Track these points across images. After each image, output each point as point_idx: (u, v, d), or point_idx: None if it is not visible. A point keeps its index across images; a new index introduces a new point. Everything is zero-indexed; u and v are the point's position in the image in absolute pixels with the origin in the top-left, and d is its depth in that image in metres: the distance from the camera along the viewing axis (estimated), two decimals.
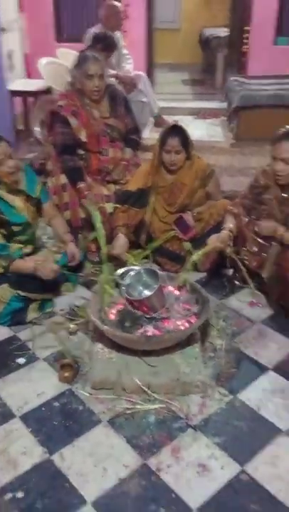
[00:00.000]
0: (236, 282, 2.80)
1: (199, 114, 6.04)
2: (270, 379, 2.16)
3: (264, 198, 2.55)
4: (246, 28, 5.99)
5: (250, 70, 6.05)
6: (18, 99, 5.07)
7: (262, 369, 2.22)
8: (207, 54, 8.07)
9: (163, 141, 2.72)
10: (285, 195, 2.48)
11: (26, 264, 2.47)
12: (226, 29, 7.02)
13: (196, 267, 2.87)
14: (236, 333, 2.44)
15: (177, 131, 2.73)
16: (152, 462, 1.78)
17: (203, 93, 6.97)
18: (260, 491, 1.68)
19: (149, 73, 6.07)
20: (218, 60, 7.14)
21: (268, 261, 2.54)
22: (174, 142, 2.70)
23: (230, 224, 2.63)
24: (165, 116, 5.38)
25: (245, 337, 2.42)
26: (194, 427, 1.91)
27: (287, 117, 4.87)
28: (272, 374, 2.19)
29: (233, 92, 5.30)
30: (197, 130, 5.56)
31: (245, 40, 6.07)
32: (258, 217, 2.58)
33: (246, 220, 2.61)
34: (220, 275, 2.89)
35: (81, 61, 2.85)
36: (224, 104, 5.87)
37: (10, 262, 2.43)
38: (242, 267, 2.60)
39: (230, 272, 2.86)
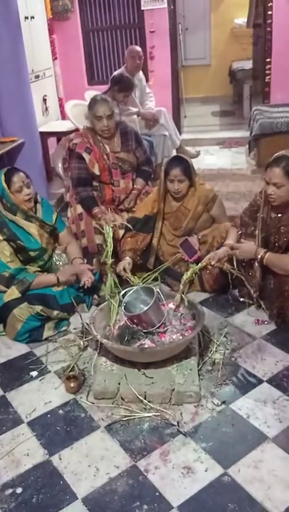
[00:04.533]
0: (241, 300, 2.91)
1: (225, 143, 6.22)
2: (263, 390, 2.24)
3: (257, 217, 2.68)
4: (268, 59, 6.18)
5: (273, 99, 6.19)
6: (52, 140, 5.49)
7: (257, 381, 2.30)
8: (235, 86, 8.30)
9: (167, 171, 2.92)
10: (274, 215, 2.60)
11: (48, 277, 2.75)
12: (251, 61, 7.25)
13: (203, 288, 3.02)
14: (236, 348, 2.54)
15: (180, 161, 2.93)
16: (141, 464, 1.91)
17: (230, 123, 7.16)
18: (239, 492, 1.77)
19: (177, 108, 6.36)
20: (244, 91, 7.35)
21: (256, 279, 2.65)
22: (176, 172, 2.89)
23: (230, 240, 2.77)
24: (188, 147, 5.61)
25: (244, 352, 2.51)
26: (184, 433, 2.03)
27: None
28: (266, 386, 2.27)
29: (254, 120, 5.46)
30: (221, 158, 5.76)
31: (267, 72, 6.25)
32: (250, 233, 2.71)
33: (240, 232, 2.75)
34: (226, 294, 3.00)
35: (92, 104, 3.14)
36: (248, 133, 6.03)
37: (26, 285, 2.67)
38: (245, 282, 2.71)
39: (236, 291, 2.97)
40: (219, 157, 5.82)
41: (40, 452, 2.00)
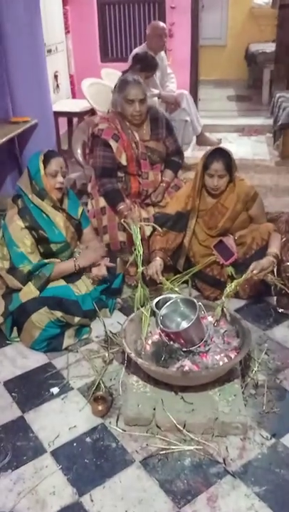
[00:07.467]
0: (281, 310, 2.64)
1: (244, 131, 5.88)
2: None
3: None
4: None
5: None
6: (62, 120, 5.13)
7: None
8: (253, 70, 7.91)
9: (206, 164, 2.60)
10: None
11: (66, 264, 2.50)
12: (272, 44, 6.85)
13: (237, 294, 2.74)
14: (280, 368, 2.28)
15: (222, 154, 2.61)
16: (186, 510, 1.65)
17: (248, 109, 6.80)
18: None
19: (194, 91, 6.00)
20: (264, 75, 6.97)
21: None
22: (218, 166, 2.57)
23: (274, 249, 2.49)
24: (208, 134, 5.28)
25: None
26: (233, 474, 1.77)
27: None
28: None
29: (279, 108, 5.12)
30: (241, 147, 5.42)
31: None
32: None
33: (284, 239, 2.48)
34: (263, 303, 2.73)
35: (122, 85, 2.79)
36: (270, 121, 5.69)
37: (44, 280, 2.39)
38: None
39: (275, 299, 2.70)
40: (239, 145, 5.48)
41: (68, 491, 1.73)
